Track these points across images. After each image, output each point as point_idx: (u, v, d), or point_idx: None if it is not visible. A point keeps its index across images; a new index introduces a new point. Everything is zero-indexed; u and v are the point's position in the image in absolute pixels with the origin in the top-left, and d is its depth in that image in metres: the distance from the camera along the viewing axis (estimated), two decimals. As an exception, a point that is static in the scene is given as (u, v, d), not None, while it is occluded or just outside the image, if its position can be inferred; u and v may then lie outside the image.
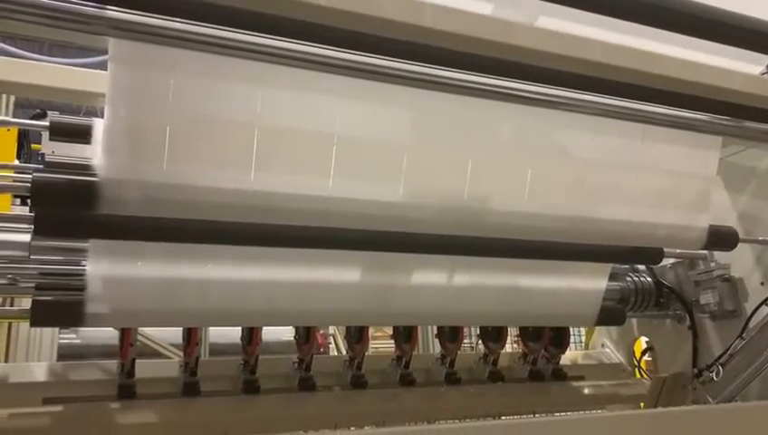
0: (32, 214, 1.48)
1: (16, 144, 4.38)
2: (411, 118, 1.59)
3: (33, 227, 1.49)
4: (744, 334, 2.08)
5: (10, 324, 3.89)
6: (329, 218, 1.54)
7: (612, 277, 2.24)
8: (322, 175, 1.49)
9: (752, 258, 2.20)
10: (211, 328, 3.76)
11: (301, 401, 1.97)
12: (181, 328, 1.88)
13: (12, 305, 2.76)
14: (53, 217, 1.43)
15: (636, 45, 1.42)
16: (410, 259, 1.86)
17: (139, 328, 1.89)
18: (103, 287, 1.54)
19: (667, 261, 2.38)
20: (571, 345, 2.44)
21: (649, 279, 2.42)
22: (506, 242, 1.81)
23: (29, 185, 1.34)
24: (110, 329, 2.23)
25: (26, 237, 1.62)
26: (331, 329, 5.62)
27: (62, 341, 4.25)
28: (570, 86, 1.48)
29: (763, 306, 2.07)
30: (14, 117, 4.36)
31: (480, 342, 2.32)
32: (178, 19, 1.16)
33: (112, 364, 1.84)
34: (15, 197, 3.41)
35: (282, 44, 1.23)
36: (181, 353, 1.91)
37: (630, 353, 2.65)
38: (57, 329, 4.03)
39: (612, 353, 2.68)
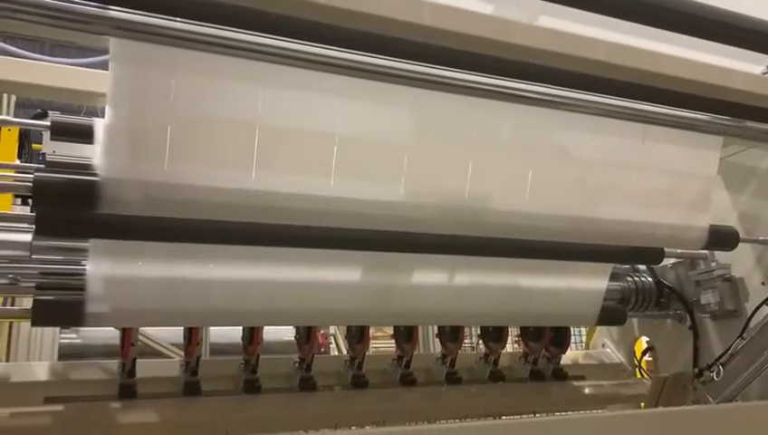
0: (33, 214, 1.48)
1: (17, 144, 4.39)
2: (412, 117, 1.59)
3: (34, 226, 1.49)
4: (744, 334, 2.08)
5: (11, 324, 3.90)
6: (330, 218, 1.54)
7: (613, 277, 2.24)
8: (323, 175, 1.49)
9: (752, 258, 2.20)
10: (212, 328, 3.76)
11: (301, 400, 1.97)
12: (182, 328, 1.88)
13: (13, 305, 2.76)
14: (54, 217, 1.43)
15: (636, 45, 1.42)
16: (411, 259, 1.86)
17: (140, 328, 1.89)
18: (104, 287, 1.55)
19: (667, 261, 2.38)
20: (572, 345, 2.44)
21: (650, 279, 2.42)
22: (507, 242, 1.81)
23: (30, 185, 1.34)
24: (111, 329, 2.24)
25: (27, 237, 1.62)
26: (332, 329, 5.62)
27: (62, 340, 4.26)
28: (570, 86, 1.48)
29: (764, 306, 2.07)
30: (16, 117, 4.36)
31: (481, 341, 2.31)
32: (180, 19, 1.16)
33: (113, 364, 1.84)
34: (16, 196, 3.42)
35: (282, 44, 1.23)
36: (182, 353, 1.92)
37: (631, 353, 2.65)
38: (58, 329, 4.03)
39: (613, 353, 2.68)
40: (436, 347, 2.33)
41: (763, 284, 2.15)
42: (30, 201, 1.64)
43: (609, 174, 1.84)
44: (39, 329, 3.91)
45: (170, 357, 3.64)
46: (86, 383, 1.83)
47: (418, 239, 1.70)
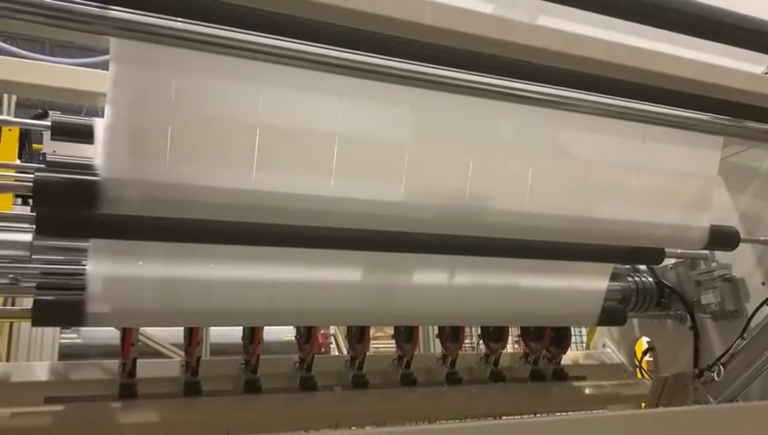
0: (33, 214, 1.48)
1: (18, 144, 4.39)
2: (412, 117, 1.59)
3: (34, 226, 1.49)
4: (745, 334, 2.08)
5: (11, 324, 3.90)
6: (330, 218, 1.54)
7: (613, 277, 2.24)
8: (324, 175, 1.49)
9: (753, 258, 2.20)
10: (212, 328, 3.76)
11: (302, 400, 1.97)
12: (182, 328, 1.88)
13: (13, 305, 2.77)
14: (55, 217, 1.43)
15: (636, 45, 1.42)
16: (411, 259, 1.86)
17: (141, 328, 1.89)
18: (104, 287, 1.55)
19: (668, 261, 2.38)
20: (573, 345, 2.44)
21: (651, 279, 2.42)
22: (507, 242, 1.81)
23: (30, 185, 1.35)
24: (112, 329, 2.24)
25: (28, 237, 1.62)
26: (332, 329, 5.62)
27: (63, 340, 4.26)
28: (571, 85, 1.48)
29: (765, 306, 2.07)
30: (16, 117, 4.37)
31: (481, 342, 2.31)
32: (180, 19, 1.16)
33: (114, 364, 1.84)
34: (17, 196, 3.42)
35: (283, 44, 1.23)
36: (182, 353, 1.92)
37: (631, 353, 2.65)
38: (58, 329, 4.03)
39: (613, 353, 2.68)
40: (437, 347, 2.33)
41: (763, 284, 2.15)
42: (30, 201, 1.64)
43: (609, 174, 1.84)
44: (39, 329, 3.91)
45: (171, 357, 3.64)
46: (86, 383, 1.83)
47: (419, 239, 1.70)
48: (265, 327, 1.92)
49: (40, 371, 1.86)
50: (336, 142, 1.49)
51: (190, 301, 1.67)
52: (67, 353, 4.12)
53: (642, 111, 1.60)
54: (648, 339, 2.60)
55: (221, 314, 1.74)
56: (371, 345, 2.12)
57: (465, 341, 2.41)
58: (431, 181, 1.62)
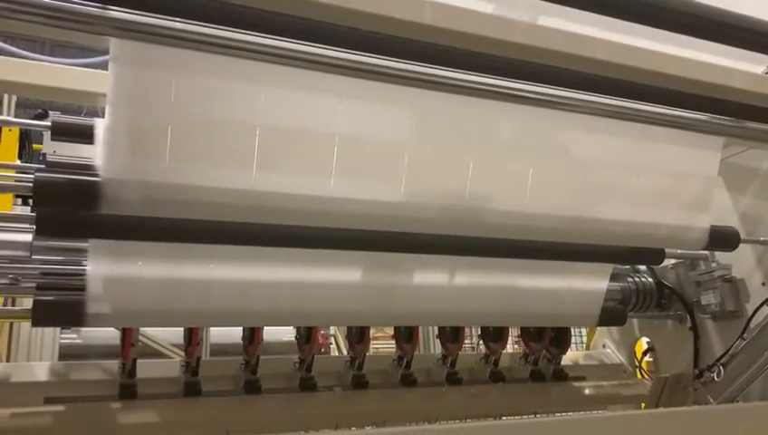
0: (33, 214, 1.48)
1: (18, 144, 4.39)
2: (412, 118, 1.59)
3: (34, 226, 1.49)
4: (745, 335, 2.08)
5: (11, 324, 3.90)
6: (330, 218, 1.54)
7: (613, 278, 2.24)
8: (323, 175, 1.49)
9: (753, 259, 2.20)
10: (212, 328, 3.76)
11: (302, 401, 1.97)
12: (182, 328, 1.88)
13: (13, 305, 2.77)
14: (55, 217, 1.43)
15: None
16: (411, 259, 1.86)
17: (141, 328, 1.89)
18: (104, 287, 1.55)
19: (668, 261, 2.38)
20: (572, 346, 2.44)
21: (650, 280, 2.42)
22: (507, 242, 1.81)
23: (30, 185, 1.35)
24: (112, 329, 2.24)
25: (28, 237, 1.62)
26: (332, 329, 5.61)
27: (63, 341, 4.26)
28: (570, 86, 1.48)
29: (765, 307, 2.07)
30: (16, 117, 4.37)
31: (481, 342, 2.31)
32: (180, 19, 1.16)
33: (114, 364, 1.84)
34: (17, 196, 3.42)
35: (283, 44, 1.23)
36: (182, 353, 1.92)
37: (631, 354, 2.65)
38: (58, 329, 4.03)
39: (613, 354, 2.68)
40: (437, 348, 2.32)
41: (763, 284, 2.15)
42: (30, 201, 1.64)
43: (609, 174, 1.84)
44: (39, 329, 3.91)
45: (171, 357, 3.64)
46: (86, 384, 1.83)
47: (419, 240, 1.70)
48: (265, 328, 1.92)
49: (40, 371, 1.86)
50: (336, 142, 1.49)
51: (190, 301, 1.67)
52: (67, 354, 4.12)
53: (642, 111, 1.60)
54: (648, 339, 2.60)
55: (221, 315, 1.74)
56: (371, 346, 2.12)
57: (465, 341, 2.40)
58: (431, 181, 1.62)
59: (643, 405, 2.39)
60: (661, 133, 1.74)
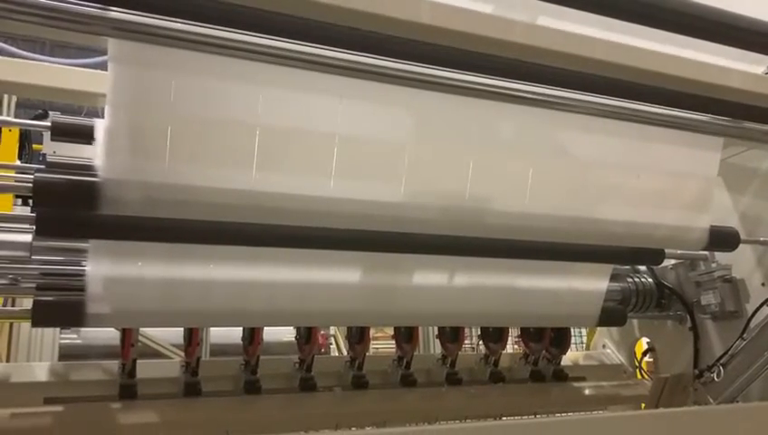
0: (33, 214, 1.48)
1: (18, 144, 4.38)
2: (412, 118, 1.59)
3: (34, 227, 1.49)
4: (744, 335, 2.08)
5: (11, 324, 3.89)
6: (330, 219, 1.54)
7: (613, 278, 2.24)
8: (323, 175, 1.49)
9: (753, 259, 2.20)
10: (212, 328, 3.76)
11: (302, 401, 1.97)
12: (182, 328, 1.88)
13: (13, 305, 2.76)
14: (55, 218, 1.43)
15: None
16: (411, 260, 1.86)
17: (141, 328, 1.89)
18: (104, 288, 1.55)
19: (668, 262, 2.38)
20: (572, 346, 2.44)
21: (650, 280, 2.42)
22: (507, 243, 1.81)
23: (30, 185, 1.35)
24: (112, 329, 2.24)
25: (28, 238, 1.62)
26: (332, 329, 5.61)
27: (63, 341, 4.25)
28: (570, 86, 1.48)
29: (764, 307, 2.07)
30: (16, 117, 4.37)
31: (481, 342, 2.31)
32: (179, 20, 1.16)
33: (113, 365, 1.84)
34: (17, 197, 3.42)
35: (282, 45, 1.23)
36: (182, 354, 1.91)
37: (631, 354, 2.65)
38: (58, 329, 4.03)
39: (613, 354, 2.68)
40: (437, 348, 2.32)
41: (763, 284, 2.15)
42: (30, 202, 1.64)
43: (609, 175, 1.84)
44: (39, 329, 3.91)
45: (170, 358, 3.64)
46: (86, 384, 1.83)
47: (419, 240, 1.70)
48: (265, 328, 1.92)
49: (40, 371, 1.86)
50: (336, 143, 1.49)
51: (190, 301, 1.67)
52: (67, 354, 4.11)
53: (642, 111, 1.60)
54: (648, 340, 2.60)
55: (221, 315, 1.74)
56: (371, 346, 2.12)
57: (465, 341, 2.40)
58: (431, 182, 1.62)
59: (643, 405, 2.39)
60: (661, 134, 1.74)
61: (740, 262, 2.22)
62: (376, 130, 1.56)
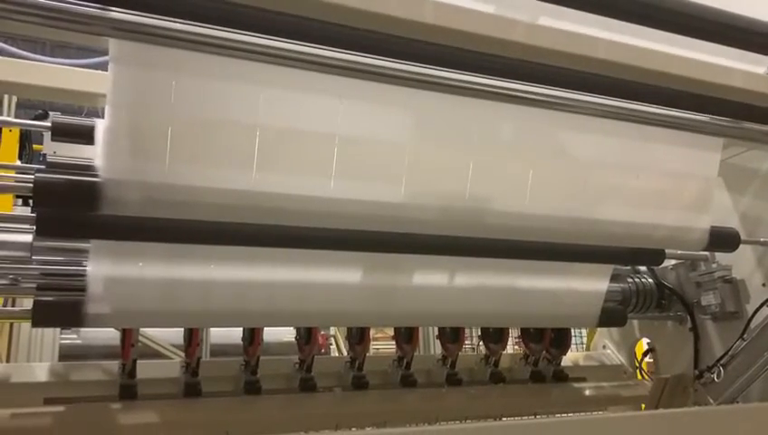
0: (33, 214, 1.48)
1: (18, 145, 4.38)
2: (413, 119, 1.59)
3: (34, 227, 1.49)
4: (745, 336, 2.08)
5: (11, 325, 3.89)
6: (330, 219, 1.54)
7: (614, 279, 2.24)
8: (324, 176, 1.49)
9: (753, 259, 2.20)
10: (212, 329, 3.76)
11: (302, 401, 1.97)
12: (182, 329, 1.88)
13: (13, 306, 2.76)
14: (55, 218, 1.43)
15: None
16: (412, 260, 1.86)
17: (141, 329, 1.89)
18: (104, 288, 1.55)
19: (668, 262, 2.38)
20: (573, 347, 2.44)
21: (651, 280, 2.42)
22: (507, 243, 1.81)
23: (31, 185, 1.35)
24: (112, 330, 2.24)
25: (28, 238, 1.62)
26: (332, 330, 5.61)
27: (63, 341, 4.25)
28: (572, 86, 1.48)
29: (765, 308, 2.07)
30: (16, 117, 4.37)
31: (481, 343, 2.31)
32: (180, 20, 1.16)
33: (114, 365, 1.84)
34: (17, 197, 3.42)
35: (283, 45, 1.23)
36: (182, 354, 1.91)
37: (632, 355, 2.65)
38: (58, 329, 4.03)
39: (613, 355, 2.68)
40: (437, 348, 2.32)
41: (763, 285, 2.15)
42: (31, 202, 1.64)
43: (609, 175, 1.84)
44: (39, 330, 3.91)
45: (171, 358, 3.64)
46: (86, 384, 1.83)
47: (419, 240, 1.70)
48: (265, 328, 1.92)
49: (40, 371, 1.86)
50: (336, 143, 1.49)
51: (190, 302, 1.67)
52: (67, 354, 4.11)
53: (642, 112, 1.60)
54: (648, 340, 2.60)
55: (221, 315, 1.74)
56: (371, 346, 2.12)
57: (466, 342, 2.40)
58: (431, 182, 1.62)
59: (643, 406, 2.39)
60: (661, 134, 1.74)
61: (740, 262, 2.22)
62: (376, 130, 1.56)
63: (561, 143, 1.77)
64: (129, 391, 1.77)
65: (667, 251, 2.15)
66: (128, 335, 1.76)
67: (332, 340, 5.83)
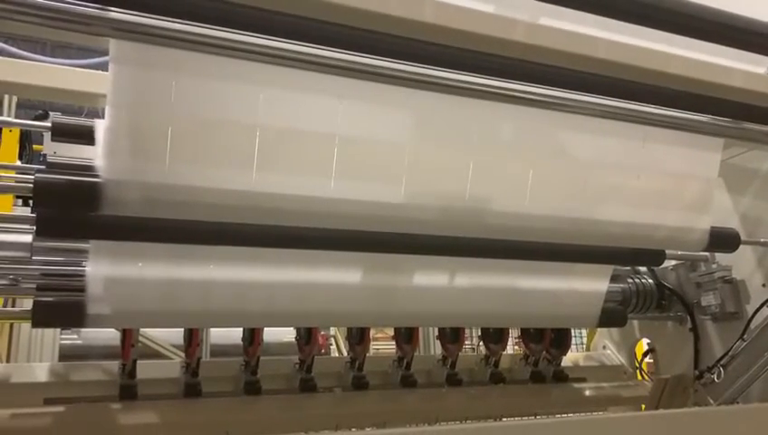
0: (33, 215, 1.48)
1: (18, 145, 4.39)
2: (413, 119, 1.59)
3: (34, 227, 1.49)
4: (745, 336, 2.08)
5: (12, 325, 3.89)
6: (330, 219, 1.54)
7: (614, 279, 2.24)
8: (324, 176, 1.49)
9: (753, 260, 2.20)
10: (212, 329, 3.76)
11: (302, 402, 1.97)
12: (182, 329, 1.88)
13: (13, 306, 2.77)
14: (55, 218, 1.43)
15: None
16: (412, 260, 1.86)
17: (141, 329, 1.89)
18: (104, 288, 1.55)
19: (668, 263, 2.38)
20: (573, 347, 2.44)
21: (651, 281, 2.42)
22: (508, 243, 1.81)
23: (31, 186, 1.35)
24: (112, 330, 2.24)
25: (28, 238, 1.62)
26: (332, 330, 5.61)
27: (63, 341, 4.25)
28: (572, 86, 1.48)
29: (765, 308, 2.07)
30: (17, 118, 4.37)
31: (481, 343, 2.31)
32: (180, 20, 1.16)
33: (114, 365, 1.84)
34: (17, 197, 3.42)
35: (283, 45, 1.23)
36: (182, 354, 1.91)
37: (632, 355, 2.65)
38: (58, 330, 4.03)
39: (614, 355, 2.68)
40: (437, 349, 2.32)
41: (763, 285, 2.15)
42: (31, 202, 1.64)
43: (610, 176, 1.84)
44: (39, 330, 3.91)
45: (171, 358, 3.64)
46: (86, 384, 1.83)
47: (419, 241, 1.70)
48: (265, 329, 1.92)
49: (40, 372, 1.86)
50: (336, 143, 1.49)
51: (190, 302, 1.67)
52: (67, 355, 4.12)
53: (643, 112, 1.60)
54: (649, 340, 2.60)
55: (221, 316, 1.74)
56: (371, 346, 2.12)
57: (466, 342, 2.40)
58: (431, 183, 1.62)
59: (643, 406, 2.38)
60: (662, 134, 1.74)
61: (740, 263, 2.22)
62: (376, 130, 1.56)
63: (561, 143, 1.77)
64: (129, 391, 1.77)
65: (667, 252, 2.15)
66: (128, 336, 1.76)
67: (332, 340, 5.84)
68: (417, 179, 1.58)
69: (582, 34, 1.35)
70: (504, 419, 2.11)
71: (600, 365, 2.63)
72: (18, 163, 4.11)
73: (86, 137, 1.57)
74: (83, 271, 1.57)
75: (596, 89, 1.51)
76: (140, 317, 1.68)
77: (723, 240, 2.02)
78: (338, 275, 1.82)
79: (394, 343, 2.18)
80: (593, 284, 2.16)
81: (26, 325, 3.84)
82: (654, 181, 1.86)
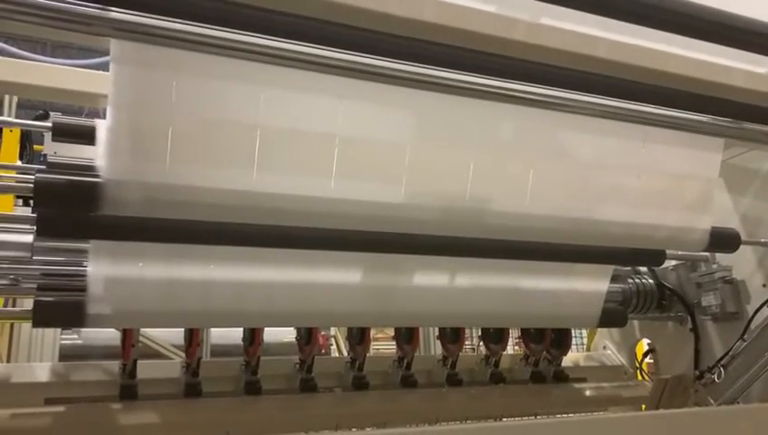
0: (34, 215, 1.48)
1: (19, 145, 4.39)
2: (413, 119, 1.59)
3: (35, 227, 1.49)
4: (745, 336, 2.08)
5: (12, 325, 3.89)
6: (330, 219, 1.54)
7: (614, 279, 2.24)
8: (324, 176, 1.49)
9: (754, 260, 2.20)
10: (213, 329, 3.76)
11: (302, 402, 1.97)
12: (183, 329, 1.88)
13: (14, 306, 2.77)
14: (56, 218, 1.43)
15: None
16: (412, 260, 1.86)
17: (141, 329, 1.89)
18: (105, 288, 1.55)
19: (668, 263, 2.38)
20: (573, 347, 2.44)
21: (651, 281, 2.42)
22: (508, 243, 1.81)
23: (31, 186, 1.35)
24: (112, 330, 2.24)
25: (28, 238, 1.62)
26: (333, 330, 5.61)
27: (63, 341, 4.25)
28: (572, 86, 1.48)
29: (765, 308, 2.07)
30: (17, 118, 4.37)
31: (482, 343, 2.31)
32: (181, 20, 1.16)
33: (114, 365, 1.84)
34: (18, 197, 3.42)
35: (283, 45, 1.23)
36: (183, 354, 1.91)
37: (632, 355, 2.65)
38: (59, 330, 4.03)
39: (614, 355, 2.68)
40: (437, 349, 2.32)
41: (764, 285, 2.15)
42: (31, 202, 1.64)
43: (610, 176, 1.84)
44: (40, 330, 3.91)
45: (171, 358, 3.64)
46: (87, 384, 1.83)
47: (419, 241, 1.70)
48: (265, 329, 1.92)
49: (40, 372, 1.86)
50: (336, 143, 1.49)
51: (191, 302, 1.67)
52: (68, 354, 4.11)
53: (643, 112, 1.60)
54: (649, 341, 2.60)
55: (221, 316, 1.74)
56: (372, 347, 2.12)
57: (466, 342, 2.40)
58: (432, 183, 1.62)
59: (643, 407, 2.38)
60: (662, 134, 1.74)
61: (741, 263, 2.22)
62: (376, 130, 1.56)
63: (561, 143, 1.77)
64: (129, 391, 1.77)
65: (667, 252, 2.15)
66: (128, 335, 1.76)
67: (333, 340, 5.83)
68: (417, 179, 1.58)
69: (583, 34, 1.35)
70: (505, 419, 2.11)
71: (600, 365, 2.63)
72: (19, 163, 4.11)
73: (87, 137, 1.57)
74: (84, 271, 1.57)
75: (596, 89, 1.51)
76: (141, 317, 1.68)
77: (723, 240, 2.02)
78: (338, 275, 1.82)
79: (394, 343, 2.18)
80: (593, 284, 2.16)
81: (27, 325, 3.84)
82: (654, 181, 1.86)
